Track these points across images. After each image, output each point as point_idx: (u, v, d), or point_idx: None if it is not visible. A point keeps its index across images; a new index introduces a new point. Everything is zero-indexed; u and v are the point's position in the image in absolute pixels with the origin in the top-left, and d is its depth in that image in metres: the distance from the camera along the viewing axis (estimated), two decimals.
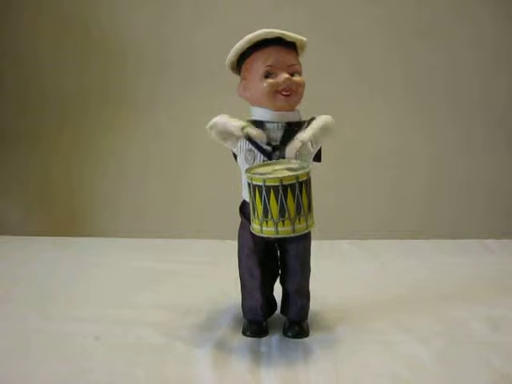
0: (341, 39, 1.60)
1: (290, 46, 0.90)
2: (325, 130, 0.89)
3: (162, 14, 1.63)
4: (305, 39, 0.91)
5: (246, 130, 0.88)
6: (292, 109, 0.91)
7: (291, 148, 0.87)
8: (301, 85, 0.90)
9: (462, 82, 1.61)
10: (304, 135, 0.87)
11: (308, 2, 1.60)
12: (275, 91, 0.89)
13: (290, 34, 0.89)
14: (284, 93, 0.89)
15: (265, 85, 0.89)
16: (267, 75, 0.89)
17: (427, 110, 1.63)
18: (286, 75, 0.88)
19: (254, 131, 0.88)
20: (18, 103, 1.70)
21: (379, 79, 1.62)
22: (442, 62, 1.61)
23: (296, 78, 0.89)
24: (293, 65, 0.90)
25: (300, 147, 0.86)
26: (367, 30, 1.60)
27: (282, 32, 0.89)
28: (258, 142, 0.89)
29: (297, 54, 0.92)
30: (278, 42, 0.89)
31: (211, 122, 0.91)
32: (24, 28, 1.66)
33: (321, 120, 0.90)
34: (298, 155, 0.89)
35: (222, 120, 0.90)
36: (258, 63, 0.89)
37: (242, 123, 0.88)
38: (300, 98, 0.91)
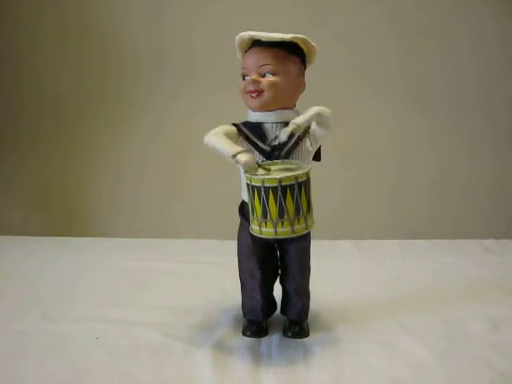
0: (341, 39, 1.59)
1: (274, 46, 0.88)
2: (319, 115, 0.87)
3: (160, 14, 1.62)
4: (288, 36, 0.88)
5: (237, 159, 0.84)
6: (265, 109, 0.89)
7: (284, 131, 0.85)
8: (272, 84, 0.88)
9: (464, 82, 1.61)
10: (298, 118, 0.86)
11: (308, 2, 1.60)
12: (245, 92, 0.90)
13: (264, 34, 0.87)
14: (251, 94, 0.89)
15: (241, 87, 0.90)
16: (244, 77, 0.90)
17: (428, 110, 1.63)
18: (252, 76, 0.88)
19: (243, 158, 0.83)
20: (15, 103, 1.70)
21: (380, 79, 1.62)
22: (443, 61, 1.61)
23: (268, 78, 0.88)
24: (264, 65, 0.88)
25: (293, 129, 0.84)
26: (368, 29, 1.60)
27: (253, 33, 0.88)
28: (258, 142, 0.89)
29: (287, 52, 0.89)
30: (260, 43, 0.88)
31: (204, 142, 0.88)
32: (22, 28, 1.65)
33: (315, 107, 0.88)
34: (298, 154, 0.89)
35: (213, 143, 0.86)
36: (241, 66, 0.91)
37: (233, 150, 0.84)
38: (275, 98, 0.89)
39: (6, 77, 1.69)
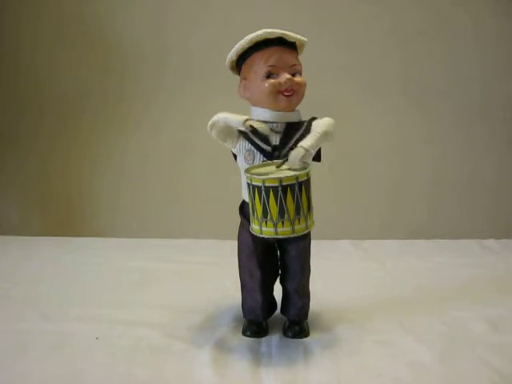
0: (341, 39, 1.60)
1: (291, 46, 0.90)
2: (326, 135, 0.88)
3: (160, 15, 1.63)
4: (305, 39, 0.91)
5: (248, 123, 0.87)
6: (293, 109, 0.91)
7: (294, 156, 0.86)
8: (302, 85, 0.90)
9: (464, 82, 1.61)
10: (307, 142, 0.86)
11: (307, 2, 1.60)
12: (277, 91, 0.88)
13: (291, 34, 0.89)
14: (286, 93, 0.88)
15: (266, 85, 0.88)
16: (269, 75, 0.88)
17: (428, 110, 1.63)
18: (287, 75, 0.88)
19: (256, 123, 0.87)
20: (16, 104, 1.70)
21: (380, 79, 1.62)
22: (443, 62, 1.61)
23: (297, 78, 0.89)
24: (294, 65, 0.90)
25: (303, 155, 0.85)
26: (367, 29, 1.60)
27: (284, 32, 0.88)
28: (258, 141, 0.89)
29: (297, 53, 0.92)
30: (279, 42, 0.89)
31: (211, 121, 0.89)
32: (22, 27, 1.66)
33: (323, 125, 0.88)
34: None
35: (223, 115, 0.89)
36: (260, 63, 0.89)
37: (243, 117, 0.88)
38: (301, 98, 0.91)
39: (6, 77, 1.69)
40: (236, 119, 0.88)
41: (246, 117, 0.88)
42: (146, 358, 0.87)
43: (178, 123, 1.65)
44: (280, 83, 0.88)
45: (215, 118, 0.89)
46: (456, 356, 0.87)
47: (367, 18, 1.60)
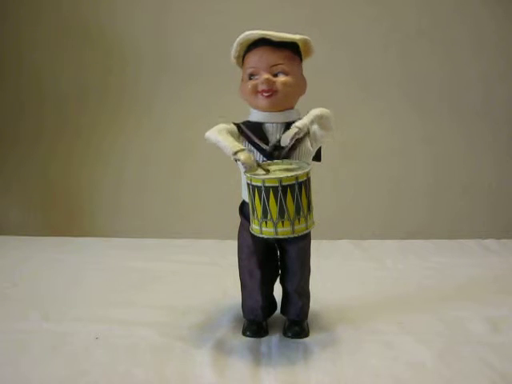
0: (340, 39, 1.60)
1: (282, 46, 0.89)
2: (321, 117, 0.87)
3: (161, 15, 1.63)
4: (300, 37, 0.89)
5: (237, 156, 0.84)
6: (277, 109, 0.90)
7: (286, 135, 0.85)
8: (285, 84, 0.88)
9: (463, 82, 1.61)
10: (300, 121, 0.86)
11: (307, 2, 1.60)
12: (256, 92, 0.89)
13: (275, 34, 0.88)
14: (264, 93, 0.88)
15: (249, 86, 0.89)
16: (251, 76, 0.90)
17: (427, 111, 1.63)
18: (265, 76, 0.88)
19: (242, 156, 0.84)
20: (16, 103, 1.70)
21: (380, 79, 1.62)
22: (442, 62, 1.61)
23: (279, 78, 0.88)
24: (276, 64, 0.88)
25: (295, 133, 0.85)
26: (367, 30, 1.60)
27: (264, 33, 0.87)
28: (258, 141, 0.89)
29: (292, 53, 0.90)
30: (267, 42, 0.88)
31: (205, 136, 0.88)
32: (23, 28, 1.66)
33: (317, 109, 0.88)
34: (298, 154, 0.89)
35: (214, 137, 0.86)
36: (246, 65, 0.90)
37: (234, 148, 0.84)
38: (287, 98, 0.90)
39: (7, 77, 1.69)
40: (227, 148, 0.85)
41: (237, 147, 0.85)
42: (146, 358, 0.87)
43: (178, 123, 1.65)
44: (257, 84, 0.88)
45: (208, 136, 0.87)
46: (456, 356, 0.87)
47: (367, 18, 1.59)
